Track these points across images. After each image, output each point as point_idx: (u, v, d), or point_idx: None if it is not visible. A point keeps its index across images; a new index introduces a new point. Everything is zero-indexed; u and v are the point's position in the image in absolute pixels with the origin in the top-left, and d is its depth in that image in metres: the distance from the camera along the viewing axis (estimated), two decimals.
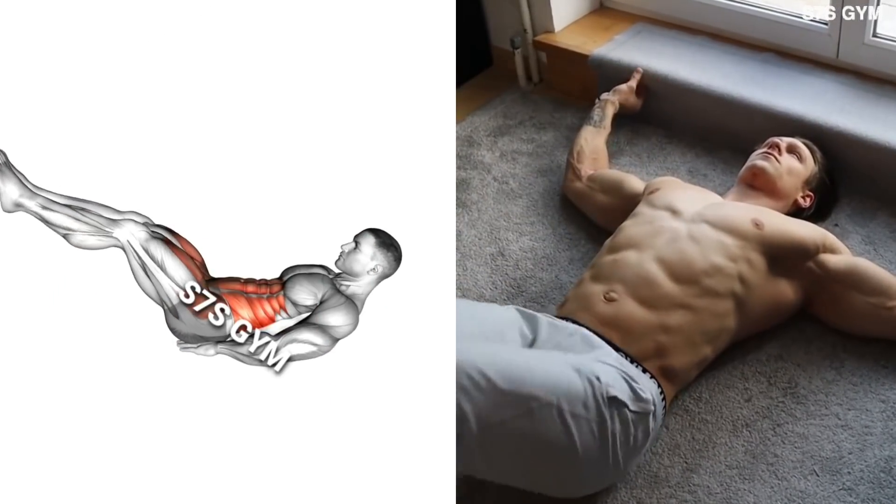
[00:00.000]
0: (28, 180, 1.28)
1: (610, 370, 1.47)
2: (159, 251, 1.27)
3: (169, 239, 1.29)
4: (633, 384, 1.47)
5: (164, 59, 1.37)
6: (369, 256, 1.29)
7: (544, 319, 1.62)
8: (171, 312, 1.28)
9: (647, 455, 1.57)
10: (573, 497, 1.51)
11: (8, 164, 1.28)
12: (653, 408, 1.48)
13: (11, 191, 1.27)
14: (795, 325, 1.74)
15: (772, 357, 1.71)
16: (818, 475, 1.50)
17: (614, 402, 1.42)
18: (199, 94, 1.36)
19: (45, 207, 1.27)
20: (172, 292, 1.27)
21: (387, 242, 1.30)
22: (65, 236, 1.28)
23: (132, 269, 1.28)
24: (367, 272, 1.30)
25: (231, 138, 1.36)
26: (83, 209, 1.28)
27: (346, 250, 1.29)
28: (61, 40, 1.34)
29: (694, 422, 1.62)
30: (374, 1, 1.41)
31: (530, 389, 1.37)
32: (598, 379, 1.42)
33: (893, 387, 1.61)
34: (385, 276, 1.31)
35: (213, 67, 1.37)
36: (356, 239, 1.30)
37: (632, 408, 1.44)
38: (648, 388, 1.51)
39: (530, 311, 1.64)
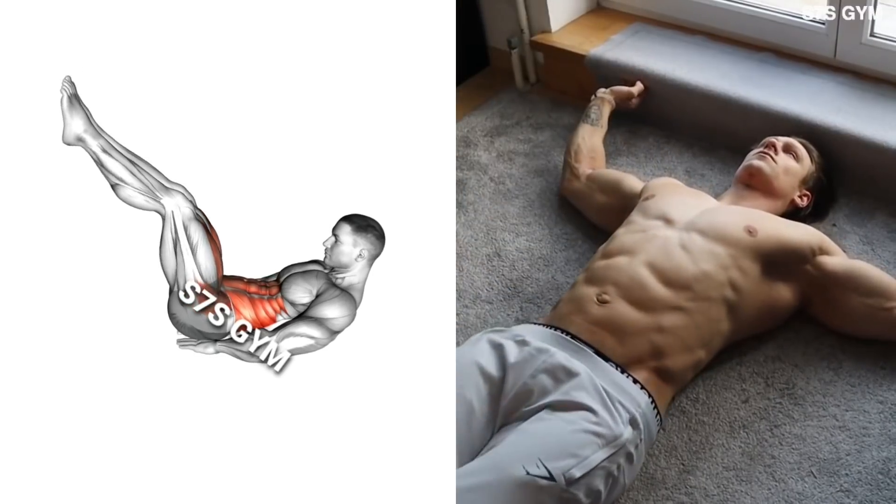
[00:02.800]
0: (94, 119, 1.26)
1: (574, 421, 1.43)
2: (197, 234, 1.26)
3: (208, 226, 1.28)
4: (609, 410, 1.45)
5: (164, 58, 1.36)
6: (351, 244, 1.28)
7: (513, 348, 1.56)
8: (175, 299, 1.26)
9: (644, 457, 1.56)
10: None
11: (77, 97, 1.26)
12: (627, 436, 1.45)
13: (77, 124, 1.25)
14: (793, 327, 1.74)
15: (769, 358, 1.70)
16: (816, 477, 1.49)
17: (580, 479, 1.38)
18: (197, 92, 1.36)
19: (104, 150, 1.25)
20: (192, 278, 1.26)
21: (363, 225, 1.29)
22: (114, 186, 1.25)
23: (161, 240, 1.26)
24: (356, 260, 1.29)
25: (231, 137, 1.35)
26: (139, 165, 1.26)
27: (328, 245, 1.29)
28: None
29: (691, 423, 1.61)
30: (373, 1, 1.40)
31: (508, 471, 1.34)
32: (549, 476, 1.36)
33: (891, 388, 1.61)
34: (374, 256, 1.30)
35: (212, 67, 1.36)
36: (334, 232, 1.29)
37: (601, 461, 1.40)
38: (633, 400, 1.49)
39: (500, 340, 1.58)
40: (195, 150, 1.34)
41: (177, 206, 1.26)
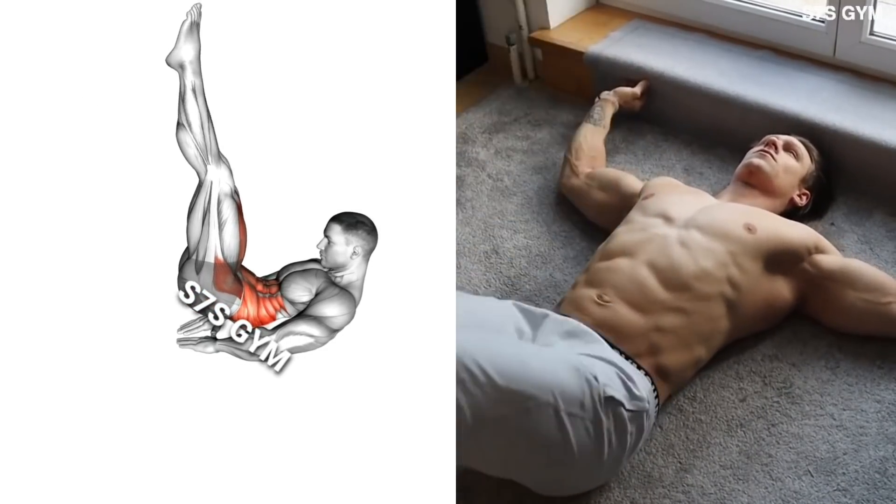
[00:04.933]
0: (202, 57, 1.25)
1: (607, 368, 1.47)
2: (229, 212, 1.25)
3: (240, 209, 1.27)
4: (629, 383, 1.47)
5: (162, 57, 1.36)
6: (344, 244, 1.28)
7: (542, 315, 1.62)
8: (196, 266, 1.26)
9: (641, 455, 1.56)
10: (565, 495, 1.51)
11: (198, 27, 1.25)
12: (647, 406, 1.48)
13: (187, 51, 1.24)
14: (790, 326, 1.74)
15: (767, 357, 1.70)
16: (813, 476, 1.49)
17: (611, 402, 1.42)
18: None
19: (194, 90, 1.25)
20: (213, 252, 1.25)
21: (353, 223, 1.28)
22: (179, 125, 1.25)
23: (192, 207, 1.25)
24: (351, 258, 1.29)
25: (232, 136, 1.35)
26: (211, 124, 1.26)
27: (322, 248, 1.29)
28: None
29: (688, 421, 1.61)
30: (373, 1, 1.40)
31: (527, 388, 1.36)
32: (595, 378, 1.42)
33: (889, 387, 1.61)
34: (369, 251, 1.30)
35: (213, 66, 1.36)
36: (325, 233, 1.29)
37: (628, 407, 1.44)
38: (643, 385, 1.50)
39: (529, 307, 1.64)
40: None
41: (220, 178, 1.25)
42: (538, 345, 1.56)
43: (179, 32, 1.25)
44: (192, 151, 1.25)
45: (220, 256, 1.25)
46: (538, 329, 1.60)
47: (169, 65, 1.24)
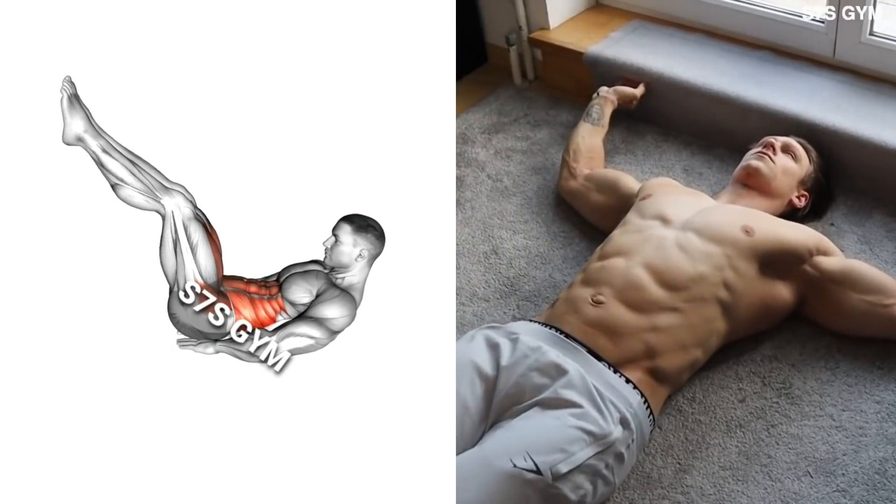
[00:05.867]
0: (94, 119, 1.26)
1: (563, 418, 1.43)
2: (197, 234, 1.25)
3: (208, 226, 1.27)
4: (599, 409, 1.45)
5: (164, 57, 1.35)
6: (351, 245, 1.28)
7: (507, 348, 1.56)
8: (175, 300, 1.26)
9: (640, 456, 1.56)
10: None
11: (77, 97, 1.25)
12: (612, 433, 1.44)
13: (77, 124, 1.25)
14: (790, 326, 1.74)
15: (766, 358, 1.70)
16: (812, 476, 1.49)
17: (567, 474, 1.38)
18: (194, 91, 1.35)
19: (104, 150, 1.25)
20: (192, 279, 1.25)
21: (363, 225, 1.29)
22: (114, 186, 1.25)
23: (161, 241, 1.26)
24: (356, 260, 1.29)
25: (231, 135, 1.35)
26: (139, 165, 1.26)
27: (328, 245, 1.29)
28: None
29: (687, 422, 1.61)
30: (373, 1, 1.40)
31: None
32: (536, 470, 1.36)
33: (888, 388, 1.60)
34: (374, 256, 1.30)
35: (211, 67, 1.36)
36: (334, 232, 1.29)
37: (588, 458, 1.41)
38: (624, 400, 1.49)
39: (496, 339, 1.58)
40: (194, 147, 1.34)
41: (177, 206, 1.25)
42: (497, 399, 1.50)
43: (62, 111, 1.25)
44: (139, 199, 1.26)
45: (199, 279, 1.25)
46: (500, 373, 1.53)
47: (68, 144, 1.25)
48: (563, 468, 1.38)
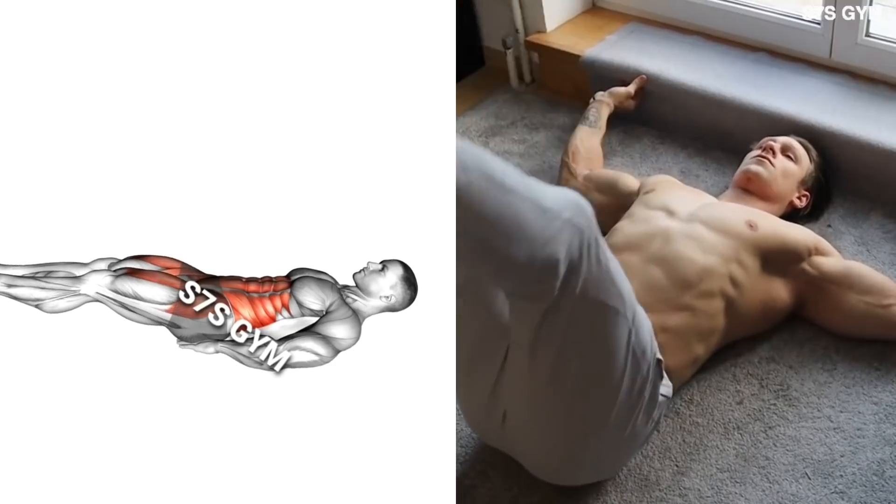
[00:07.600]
0: None
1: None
2: (128, 285, 1.25)
3: (134, 268, 1.27)
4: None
5: (163, 58, 1.36)
6: (389, 284, 1.29)
7: None
8: (171, 326, 1.26)
9: (638, 458, 1.56)
10: (571, 483, 1.50)
11: None
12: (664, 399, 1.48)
13: None
14: (787, 328, 1.73)
15: (764, 359, 1.70)
16: (810, 478, 1.49)
17: (657, 367, 1.40)
18: (194, 91, 1.36)
19: (10, 286, 1.24)
20: (160, 313, 1.25)
21: (411, 280, 1.30)
22: (36, 306, 1.25)
23: (116, 312, 1.26)
24: (381, 297, 1.29)
25: (232, 135, 1.35)
26: (47, 275, 1.25)
27: (371, 269, 1.29)
28: None
29: (685, 424, 1.61)
30: (373, 1, 1.40)
31: (621, 290, 1.29)
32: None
33: (886, 389, 1.60)
34: (393, 308, 1.31)
35: (211, 66, 1.36)
36: (385, 262, 1.29)
37: (662, 391, 1.45)
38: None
39: None
40: (194, 148, 1.34)
41: (96, 286, 1.25)
42: None
43: None
44: (63, 304, 1.25)
45: (164, 309, 1.25)
46: None
47: None
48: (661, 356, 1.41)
